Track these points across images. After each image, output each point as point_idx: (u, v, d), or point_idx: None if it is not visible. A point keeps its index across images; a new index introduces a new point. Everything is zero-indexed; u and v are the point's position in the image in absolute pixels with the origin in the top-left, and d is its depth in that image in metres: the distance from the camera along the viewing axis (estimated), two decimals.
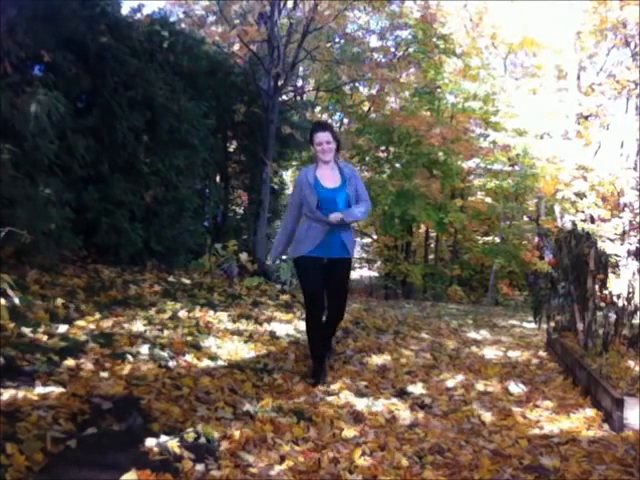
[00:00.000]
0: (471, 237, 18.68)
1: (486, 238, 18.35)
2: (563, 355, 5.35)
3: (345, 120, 18.41)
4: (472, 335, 7.37)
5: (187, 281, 7.00)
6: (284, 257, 5.22)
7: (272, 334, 5.33)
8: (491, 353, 6.10)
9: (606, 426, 3.63)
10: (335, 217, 4.11)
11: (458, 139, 15.58)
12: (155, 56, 8.09)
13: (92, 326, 4.48)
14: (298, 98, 14.36)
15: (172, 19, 10.25)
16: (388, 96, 16.57)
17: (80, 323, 4.47)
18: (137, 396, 3.29)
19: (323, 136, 4.24)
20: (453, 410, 3.91)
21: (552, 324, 6.02)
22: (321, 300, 4.27)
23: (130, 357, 3.93)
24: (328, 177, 4.27)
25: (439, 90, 16.89)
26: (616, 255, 7.63)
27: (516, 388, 4.54)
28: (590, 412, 3.88)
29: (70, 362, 3.61)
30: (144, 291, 6.05)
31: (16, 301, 3.89)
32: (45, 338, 3.94)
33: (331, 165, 4.30)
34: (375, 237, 18.87)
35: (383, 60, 15.29)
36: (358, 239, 16.61)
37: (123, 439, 2.77)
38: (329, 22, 11.34)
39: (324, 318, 4.38)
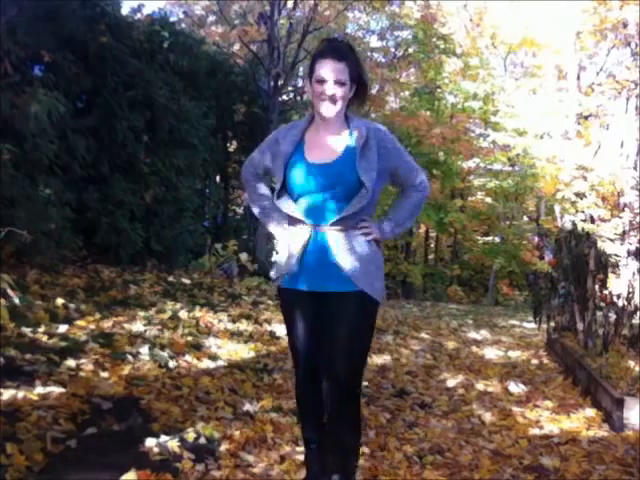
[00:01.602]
0: (471, 237, 18.70)
1: (486, 238, 18.37)
2: (563, 355, 5.35)
3: None
4: (472, 335, 7.37)
5: (187, 281, 7.00)
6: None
7: (272, 334, 5.33)
8: (491, 353, 6.10)
9: (606, 426, 3.63)
10: (376, 231, 2.29)
11: (458, 139, 15.60)
12: (155, 56, 8.10)
13: (92, 326, 4.48)
14: (298, 98, 14.36)
15: (172, 19, 10.27)
16: (388, 96, 16.58)
17: (80, 323, 4.47)
18: (137, 396, 3.29)
19: (332, 68, 2.19)
20: (453, 410, 3.91)
21: (552, 324, 6.03)
22: (311, 366, 2.37)
23: (130, 357, 3.93)
24: (322, 144, 2.30)
25: (439, 90, 16.91)
26: (616, 255, 7.62)
27: (516, 388, 4.54)
28: (590, 412, 3.88)
29: (70, 362, 3.60)
30: (144, 291, 6.04)
31: (16, 301, 3.89)
32: (45, 338, 3.94)
33: (336, 126, 2.31)
34: None
35: (383, 60, 15.30)
36: None
37: (123, 439, 2.77)
38: (329, 22, 11.36)
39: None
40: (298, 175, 2.27)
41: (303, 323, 2.34)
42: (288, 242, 2.31)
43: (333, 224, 2.25)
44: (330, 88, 2.21)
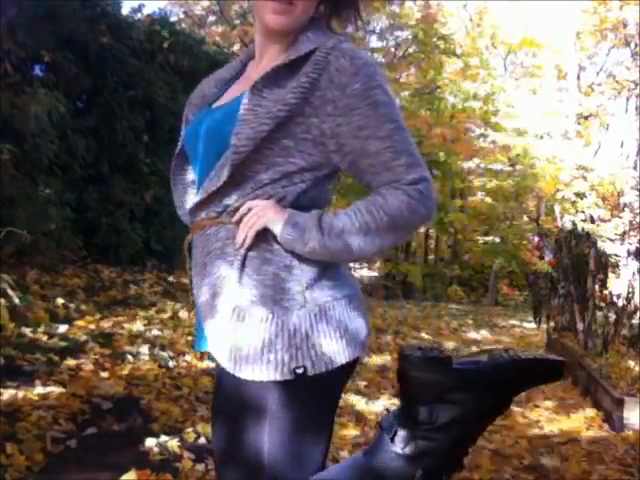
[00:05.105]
0: (471, 237, 18.69)
1: (486, 238, 18.37)
2: (563, 355, 5.36)
3: None
4: (472, 335, 7.37)
5: (187, 281, 6.99)
6: None
7: None
8: None
9: (606, 426, 3.63)
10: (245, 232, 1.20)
11: (458, 139, 15.60)
12: (155, 56, 8.09)
13: (92, 326, 4.48)
14: None
15: (172, 19, 10.26)
16: None
17: (80, 323, 4.47)
18: (137, 396, 3.29)
19: None
20: None
21: (552, 324, 6.03)
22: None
23: (130, 357, 3.93)
24: (246, 77, 1.32)
25: (439, 90, 16.91)
26: (616, 255, 7.64)
27: None
28: (590, 412, 3.88)
29: (70, 362, 3.61)
30: (144, 291, 6.05)
31: (16, 301, 3.89)
32: (45, 338, 3.94)
33: (283, 51, 1.23)
34: None
35: (383, 60, 15.29)
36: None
37: (123, 439, 2.77)
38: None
39: None
40: (190, 127, 1.41)
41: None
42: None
43: (195, 214, 1.30)
44: None
